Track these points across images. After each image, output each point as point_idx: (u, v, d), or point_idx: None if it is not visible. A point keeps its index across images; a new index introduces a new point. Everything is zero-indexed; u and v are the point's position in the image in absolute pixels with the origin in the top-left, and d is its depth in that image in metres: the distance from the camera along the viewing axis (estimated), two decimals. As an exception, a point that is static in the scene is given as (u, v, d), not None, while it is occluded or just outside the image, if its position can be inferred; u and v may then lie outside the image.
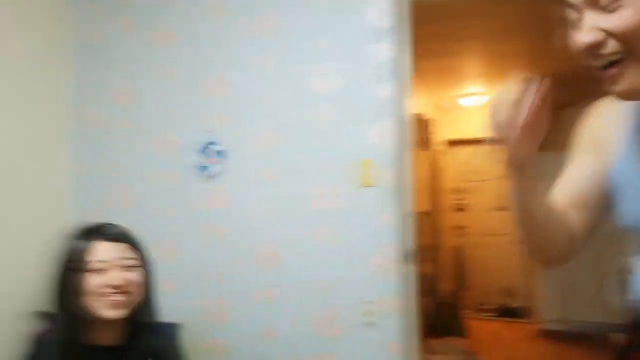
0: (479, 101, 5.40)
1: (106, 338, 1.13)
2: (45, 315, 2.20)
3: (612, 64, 0.64)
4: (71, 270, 1.09)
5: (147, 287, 1.17)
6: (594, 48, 0.63)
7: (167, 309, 2.27)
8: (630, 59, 0.62)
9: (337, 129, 2.16)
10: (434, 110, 5.64)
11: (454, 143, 6.13)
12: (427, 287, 3.78)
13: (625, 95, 0.66)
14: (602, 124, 0.81)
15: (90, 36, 2.62)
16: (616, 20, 0.60)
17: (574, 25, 0.65)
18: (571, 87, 4.24)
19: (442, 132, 5.77)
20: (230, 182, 2.30)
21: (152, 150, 2.44)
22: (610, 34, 0.61)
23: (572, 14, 0.66)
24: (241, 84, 2.32)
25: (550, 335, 4.37)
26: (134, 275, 1.14)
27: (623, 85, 0.64)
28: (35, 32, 2.42)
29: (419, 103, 4.53)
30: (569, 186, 0.83)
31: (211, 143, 2.34)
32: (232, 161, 2.30)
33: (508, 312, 5.28)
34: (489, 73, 4.59)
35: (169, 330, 1.20)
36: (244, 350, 2.21)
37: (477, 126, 5.73)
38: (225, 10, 2.37)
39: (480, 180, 6.11)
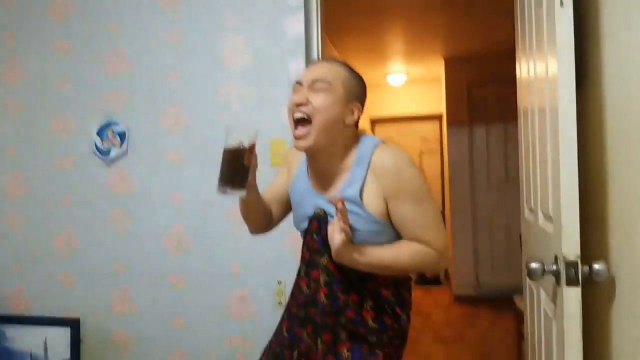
0: (402, 79, 5.50)
1: None
2: None
3: (301, 121, 1.13)
4: None
5: None
6: (298, 105, 1.13)
7: (66, 303, 2.15)
8: (312, 129, 1.11)
9: (248, 107, 2.10)
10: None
11: (378, 121, 6.22)
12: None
13: (306, 150, 1.16)
14: (293, 154, 1.33)
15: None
16: (316, 98, 1.12)
17: (295, 92, 1.16)
18: (487, 65, 4.44)
19: (366, 111, 5.83)
20: (132, 166, 2.18)
21: (46, 134, 2.25)
22: (309, 102, 1.12)
23: (297, 87, 1.17)
24: (144, 60, 2.18)
25: (464, 300, 4.67)
26: None
27: (305, 143, 1.12)
28: None
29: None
30: (272, 190, 1.37)
31: (111, 124, 2.19)
32: (135, 143, 2.18)
33: (426, 281, 5.56)
34: (410, 52, 4.68)
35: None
36: (150, 341, 2.14)
37: (402, 104, 5.89)
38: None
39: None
